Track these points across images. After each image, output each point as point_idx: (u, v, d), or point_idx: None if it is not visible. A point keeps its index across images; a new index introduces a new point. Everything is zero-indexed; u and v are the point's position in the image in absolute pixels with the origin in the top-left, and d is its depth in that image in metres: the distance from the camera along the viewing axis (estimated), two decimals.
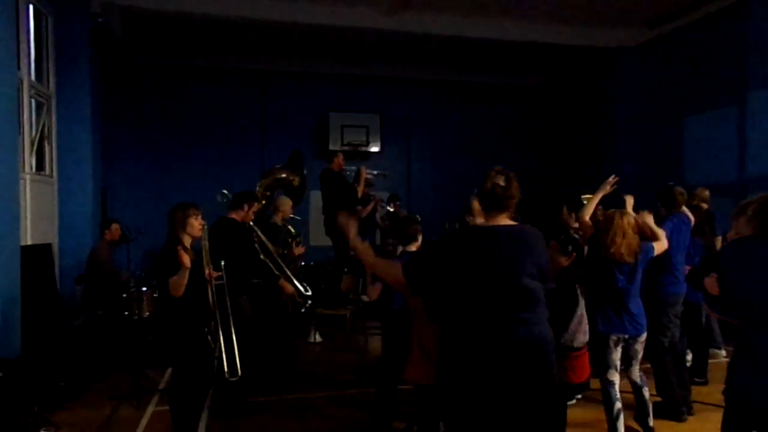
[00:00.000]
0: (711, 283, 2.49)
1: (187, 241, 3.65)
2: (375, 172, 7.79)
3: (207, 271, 3.78)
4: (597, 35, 9.34)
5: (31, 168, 6.39)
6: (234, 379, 4.04)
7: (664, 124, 9.22)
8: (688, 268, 4.54)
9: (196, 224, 3.64)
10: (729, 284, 2.40)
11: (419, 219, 4.08)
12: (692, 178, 8.13)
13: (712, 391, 4.78)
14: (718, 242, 5.23)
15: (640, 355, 3.82)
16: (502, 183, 2.40)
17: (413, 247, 3.74)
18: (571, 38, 9.24)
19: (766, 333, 2.24)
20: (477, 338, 2.29)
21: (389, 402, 3.95)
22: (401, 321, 3.56)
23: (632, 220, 3.65)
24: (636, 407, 3.89)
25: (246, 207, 4.73)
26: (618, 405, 3.66)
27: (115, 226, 6.39)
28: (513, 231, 2.41)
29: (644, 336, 3.77)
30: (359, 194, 6.97)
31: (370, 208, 7.31)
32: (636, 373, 3.85)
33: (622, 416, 3.66)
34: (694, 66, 8.66)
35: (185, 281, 3.45)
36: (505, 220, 2.43)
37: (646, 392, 3.87)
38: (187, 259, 3.43)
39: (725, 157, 8.02)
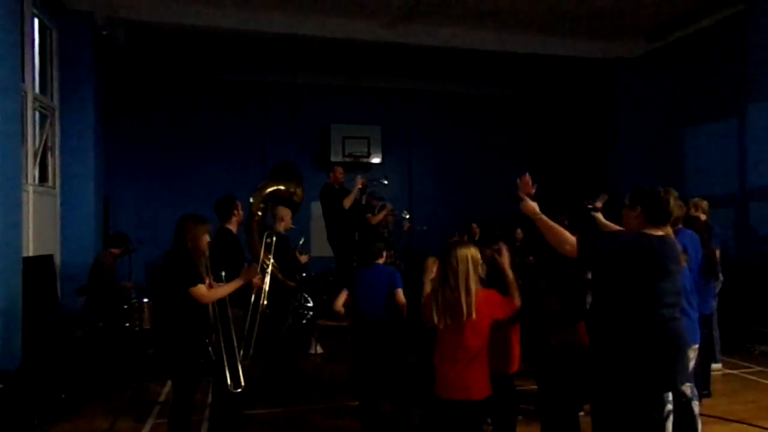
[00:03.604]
0: None
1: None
2: (374, 182, 7.76)
3: (207, 282, 3.78)
4: (596, 47, 9.40)
5: (34, 179, 6.42)
6: (237, 390, 4.04)
7: (664, 135, 9.25)
8: None
9: (205, 242, 3.64)
10: None
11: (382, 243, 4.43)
12: (692, 190, 8.14)
13: (716, 404, 4.77)
14: (717, 255, 5.22)
15: (692, 364, 3.69)
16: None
17: (380, 261, 4.17)
18: (571, 50, 9.30)
19: None
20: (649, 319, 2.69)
21: (375, 414, 3.98)
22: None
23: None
24: (682, 421, 3.73)
25: (236, 212, 4.71)
26: (669, 407, 3.57)
27: (116, 251, 6.38)
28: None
29: (697, 345, 3.69)
30: (346, 205, 6.92)
31: (381, 216, 7.30)
32: (687, 384, 3.70)
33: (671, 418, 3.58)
34: (694, 78, 8.71)
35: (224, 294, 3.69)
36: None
37: (696, 406, 3.74)
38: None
39: (725, 168, 8.04)
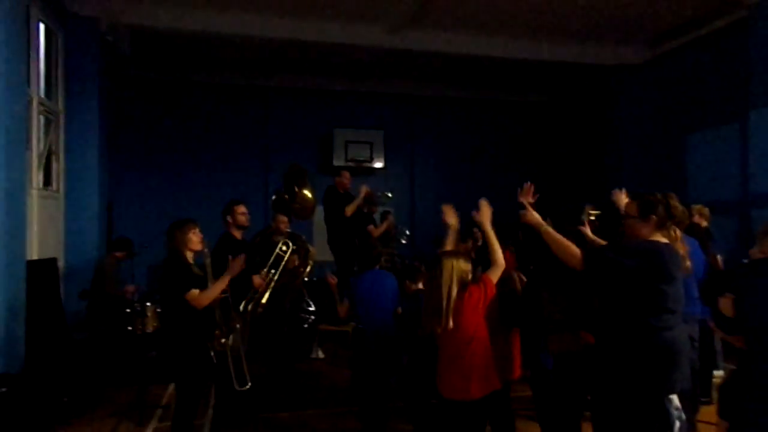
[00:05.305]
0: (726, 304, 2.50)
1: (190, 256, 3.70)
2: (378, 193, 7.67)
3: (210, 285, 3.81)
4: (598, 53, 9.42)
5: (39, 183, 6.46)
6: (244, 389, 4.06)
7: (666, 141, 9.25)
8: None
9: (195, 239, 3.71)
10: (741, 305, 2.41)
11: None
12: (694, 196, 8.13)
13: (716, 411, 4.75)
14: (719, 261, 5.22)
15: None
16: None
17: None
18: (573, 56, 9.33)
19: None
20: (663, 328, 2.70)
21: (382, 418, 3.99)
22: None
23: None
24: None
25: (229, 218, 4.76)
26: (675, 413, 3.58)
27: (120, 255, 6.42)
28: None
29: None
30: (348, 213, 6.92)
31: (383, 228, 7.24)
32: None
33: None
34: (696, 84, 8.71)
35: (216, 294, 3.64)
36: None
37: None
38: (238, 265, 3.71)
39: (727, 175, 8.04)
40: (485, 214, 3.18)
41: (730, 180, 7.98)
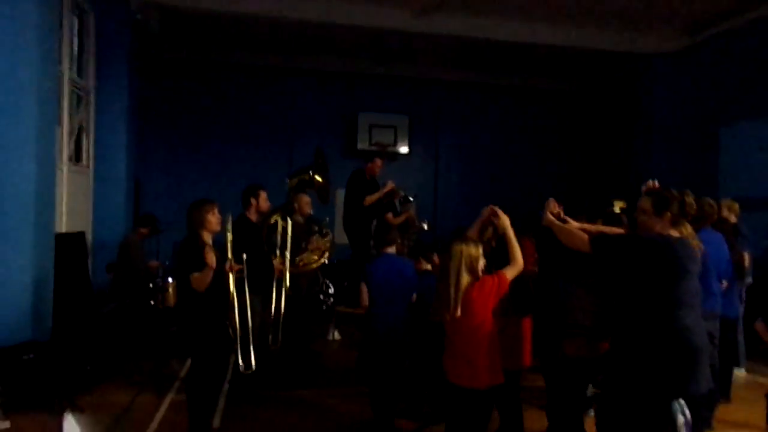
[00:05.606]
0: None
1: (208, 236, 3.76)
2: (402, 191, 7.56)
3: (228, 264, 3.88)
4: (634, 40, 9.15)
5: (69, 159, 6.64)
6: (248, 372, 4.14)
7: (699, 134, 8.97)
8: (725, 283, 4.44)
9: (214, 220, 3.76)
10: None
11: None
12: (725, 191, 7.89)
13: (734, 410, 4.67)
14: (747, 258, 5.08)
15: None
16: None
17: (391, 250, 4.21)
18: (606, 43, 9.08)
19: None
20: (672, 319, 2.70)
21: (391, 399, 4.03)
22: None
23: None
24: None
25: (253, 201, 4.80)
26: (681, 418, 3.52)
27: (144, 231, 6.56)
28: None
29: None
30: (367, 202, 6.84)
31: (402, 219, 7.21)
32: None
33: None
34: (732, 75, 8.41)
35: (209, 279, 3.59)
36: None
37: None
38: (212, 259, 3.56)
39: (761, 170, 7.77)
40: (504, 219, 3.11)
41: (764, 175, 7.71)
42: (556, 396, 3.63)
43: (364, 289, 4.07)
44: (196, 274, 3.58)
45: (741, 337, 5.45)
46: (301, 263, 5.29)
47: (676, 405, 3.43)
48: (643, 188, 3.63)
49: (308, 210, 5.51)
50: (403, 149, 10.69)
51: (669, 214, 2.80)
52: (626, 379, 2.75)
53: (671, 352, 2.67)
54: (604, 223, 3.43)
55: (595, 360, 3.32)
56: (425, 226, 7.86)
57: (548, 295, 3.64)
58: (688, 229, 3.47)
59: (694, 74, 9.14)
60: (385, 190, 6.97)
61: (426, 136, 11.23)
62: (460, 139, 11.49)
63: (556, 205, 3.12)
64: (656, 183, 3.61)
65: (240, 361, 4.12)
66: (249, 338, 4.16)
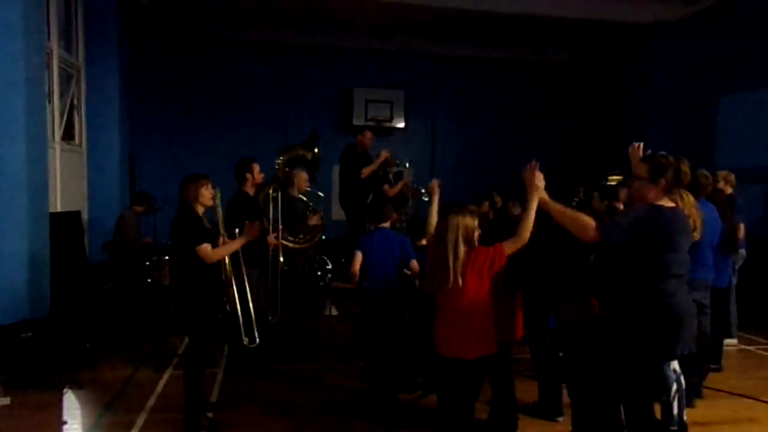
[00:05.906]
0: None
1: (200, 210, 3.76)
2: (397, 160, 7.54)
3: (221, 239, 3.89)
4: (632, 10, 9.00)
5: (61, 137, 6.59)
6: (252, 345, 4.19)
7: (698, 104, 8.90)
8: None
9: (207, 194, 3.76)
10: None
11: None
12: (722, 162, 7.87)
13: (725, 378, 4.74)
14: (741, 229, 5.09)
15: None
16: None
17: (385, 225, 4.27)
18: (605, 13, 8.93)
19: None
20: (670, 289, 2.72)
21: (388, 373, 4.07)
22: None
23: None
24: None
25: (248, 175, 4.80)
26: (675, 386, 3.53)
27: (139, 208, 6.55)
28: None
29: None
30: (364, 174, 6.85)
31: (398, 188, 7.20)
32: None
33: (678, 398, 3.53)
34: (734, 44, 8.29)
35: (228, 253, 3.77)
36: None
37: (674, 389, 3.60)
38: (255, 230, 3.83)
39: (759, 141, 7.73)
40: (542, 190, 2.90)
41: (761, 147, 7.67)
42: (544, 363, 3.68)
43: (358, 256, 4.10)
44: (208, 247, 3.61)
45: (733, 308, 5.51)
46: (301, 240, 5.30)
47: (671, 374, 3.50)
48: (630, 150, 3.53)
49: (305, 187, 5.49)
50: (399, 124, 10.62)
51: (663, 181, 2.78)
52: (616, 346, 2.79)
53: (655, 321, 2.71)
54: (578, 208, 3.22)
55: (587, 323, 3.33)
56: (423, 196, 7.84)
57: (537, 267, 3.65)
58: (690, 199, 3.46)
59: (694, 44, 9.01)
60: (380, 160, 6.97)
61: (422, 110, 11.13)
62: (457, 113, 11.40)
63: (535, 174, 2.89)
64: (641, 146, 3.51)
65: (243, 336, 4.14)
66: (250, 313, 4.18)
